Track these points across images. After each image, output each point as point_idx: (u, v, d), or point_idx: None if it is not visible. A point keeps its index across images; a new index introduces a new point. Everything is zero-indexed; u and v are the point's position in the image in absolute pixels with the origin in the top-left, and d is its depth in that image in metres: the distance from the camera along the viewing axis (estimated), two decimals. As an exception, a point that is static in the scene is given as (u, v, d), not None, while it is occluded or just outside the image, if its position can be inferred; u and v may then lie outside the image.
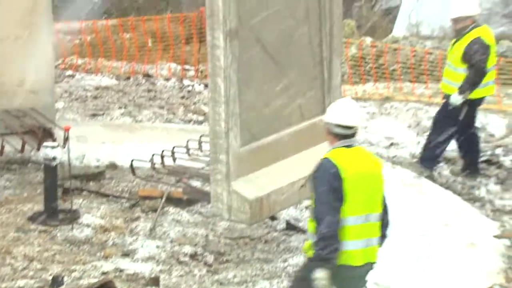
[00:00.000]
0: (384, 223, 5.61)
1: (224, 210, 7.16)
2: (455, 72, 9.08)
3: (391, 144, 11.72)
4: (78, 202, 9.04)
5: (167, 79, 16.70)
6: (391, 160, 10.72)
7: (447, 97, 9.43)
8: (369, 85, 16.75)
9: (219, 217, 7.80)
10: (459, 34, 9.31)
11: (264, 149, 7.37)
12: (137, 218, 8.78)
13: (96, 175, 10.08)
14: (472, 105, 9.40)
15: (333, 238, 5.26)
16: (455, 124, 9.46)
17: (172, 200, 9.11)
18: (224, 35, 6.73)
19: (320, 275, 5.22)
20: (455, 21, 9.27)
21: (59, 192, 8.79)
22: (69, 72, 16.47)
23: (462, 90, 8.85)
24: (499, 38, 22.82)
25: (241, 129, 7.06)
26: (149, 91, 15.23)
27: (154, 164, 9.09)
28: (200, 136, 9.11)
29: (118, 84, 15.59)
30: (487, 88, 9.56)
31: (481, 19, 27.25)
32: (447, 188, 9.68)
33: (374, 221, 5.46)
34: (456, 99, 8.73)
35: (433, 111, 13.85)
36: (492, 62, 9.34)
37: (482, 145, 11.59)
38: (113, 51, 19.49)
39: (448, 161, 10.75)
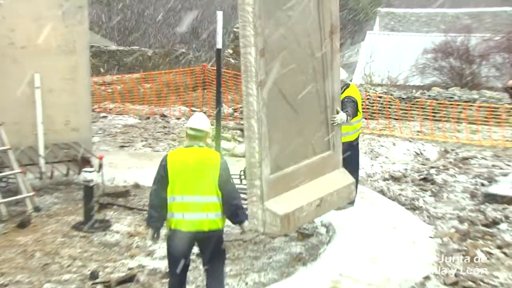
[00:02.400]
0: (229, 206, 5.86)
1: (259, 225, 7.01)
2: (349, 126, 8.78)
3: (351, 167, 11.73)
4: (110, 214, 9.03)
5: (178, 118, 16.79)
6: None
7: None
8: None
9: (254, 231, 7.64)
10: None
11: (287, 177, 7.28)
12: (155, 226, 8.70)
13: (124, 193, 10.04)
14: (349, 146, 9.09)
15: (152, 209, 5.91)
16: None
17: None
18: (256, 85, 6.73)
19: (147, 232, 5.99)
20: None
21: (96, 206, 8.76)
22: (103, 114, 16.53)
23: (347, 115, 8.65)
24: (431, 86, 23.06)
25: (270, 161, 6.99)
26: (164, 127, 15.28)
27: None
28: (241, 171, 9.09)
29: (140, 123, 15.66)
30: (357, 133, 9.40)
31: (417, 71, 27.46)
32: (393, 199, 9.69)
33: (201, 201, 5.74)
34: (343, 117, 8.48)
35: (383, 141, 13.98)
36: (359, 116, 9.23)
37: (420, 167, 11.66)
38: (137, 97, 19.60)
39: (394, 179, 10.78)
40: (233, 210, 5.91)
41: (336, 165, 8.24)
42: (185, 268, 6.02)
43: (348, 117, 8.55)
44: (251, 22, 6.76)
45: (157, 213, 5.88)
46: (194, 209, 5.75)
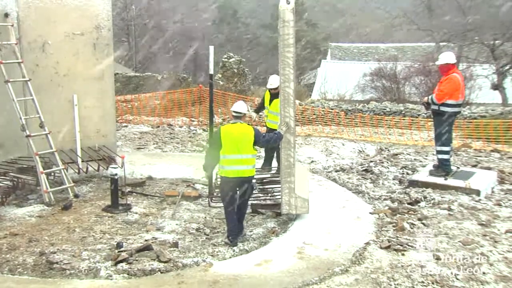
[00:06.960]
0: (268, 143, 7.14)
1: (291, 209, 7.49)
2: (277, 116, 8.25)
3: (312, 161, 11.71)
4: (130, 199, 8.92)
5: (181, 127, 16.66)
6: (312, 171, 10.73)
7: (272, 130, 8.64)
8: (298, 128, 16.81)
9: (288, 214, 7.71)
10: (275, 95, 8.81)
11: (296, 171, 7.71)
12: (164, 208, 8.62)
13: (140, 183, 9.94)
14: None
15: (208, 163, 7.04)
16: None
17: (185, 197, 9.03)
18: (293, 110, 7.31)
19: (205, 175, 7.54)
20: (275, 88, 8.88)
21: (120, 194, 8.68)
22: (124, 124, 16.38)
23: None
24: (369, 100, 23.23)
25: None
26: (170, 134, 15.16)
27: None
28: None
29: (152, 130, 15.52)
30: None
31: (359, 90, 27.52)
32: (343, 186, 9.69)
33: (241, 158, 6.72)
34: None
35: (335, 142, 14.00)
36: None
37: (362, 161, 11.67)
38: (149, 111, 19.46)
39: (343, 170, 10.78)
40: (269, 140, 7.10)
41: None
42: (234, 201, 6.91)
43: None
44: (291, 65, 6.98)
45: (211, 163, 7.00)
46: (237, 163, 6.73)
